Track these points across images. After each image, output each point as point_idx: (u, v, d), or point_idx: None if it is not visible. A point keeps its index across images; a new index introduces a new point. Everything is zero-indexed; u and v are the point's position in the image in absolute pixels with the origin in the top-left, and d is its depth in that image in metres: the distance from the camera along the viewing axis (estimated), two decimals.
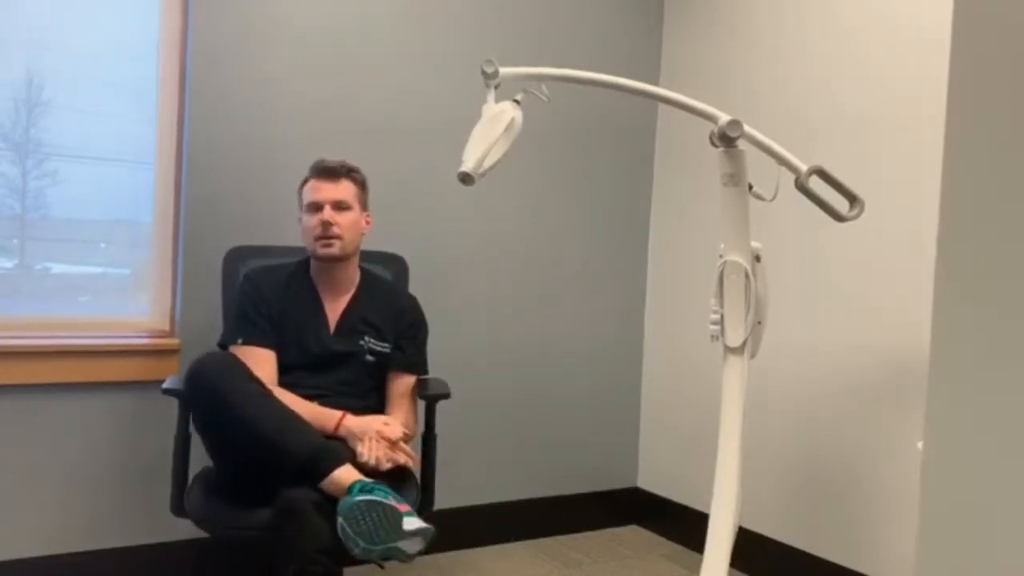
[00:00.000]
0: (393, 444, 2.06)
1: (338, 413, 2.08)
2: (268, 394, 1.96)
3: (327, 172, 2.21)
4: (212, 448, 2.00)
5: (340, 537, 1.75)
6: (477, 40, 2.90)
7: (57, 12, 2.40)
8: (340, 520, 1.75)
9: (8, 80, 2.36)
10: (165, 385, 2.11)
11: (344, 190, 2.21)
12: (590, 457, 3.22)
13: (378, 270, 2.46)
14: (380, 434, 2.05)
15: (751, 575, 2.70)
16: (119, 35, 2.49)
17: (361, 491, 1.79)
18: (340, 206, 2.19)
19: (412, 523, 1.77)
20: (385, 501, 1.76)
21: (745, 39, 2.93)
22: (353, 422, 2.07)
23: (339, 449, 1.96)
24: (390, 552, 1.76)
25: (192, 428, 2.05)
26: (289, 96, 2.62)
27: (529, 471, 3.08)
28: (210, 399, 1.91)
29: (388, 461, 2.02)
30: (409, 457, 2.09)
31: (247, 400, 1.90)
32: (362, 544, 1.74)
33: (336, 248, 2.19)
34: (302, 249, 2.37)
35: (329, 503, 1.82)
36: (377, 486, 1.82)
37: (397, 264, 2.54)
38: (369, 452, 2.00)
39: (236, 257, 2.39)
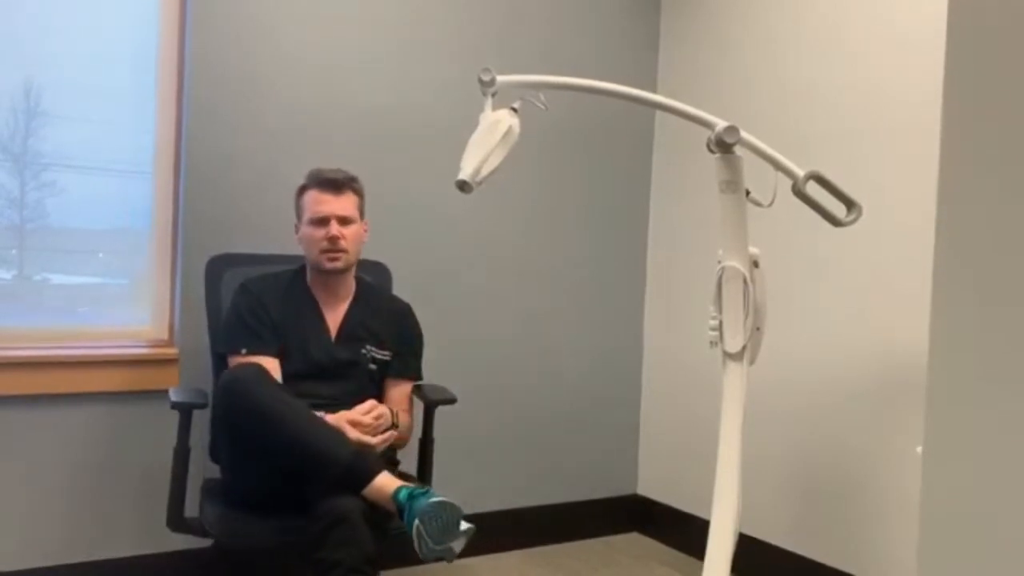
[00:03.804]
0: (366, 426, 2.06)
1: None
2: (301, 404, 1.98)
3: (331, 184, 2.21)
4: (241, 458, 2.01)
5: (414, 537, 1.78)
6: (475, 47, 2.91)
7: (55, 22, 2.41)
8: (416, 522, 1.78)
9: (6, 90, 2.37)
10: (174, 399, 2.06)
11: (348, 204, 2.21)
12: (589, 464, 3.21)
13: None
14: (350, 421, 2.05)
15: None
16: (117, 44, 2.49)
17: (412, 495, 1.83)
18: (345, 221, 2.19)
19: (463, 523, 1.84)
20: (452, 502, 1.82)
21: (742, 45, 2.93)
22: (328, 418, 2.06)
23: (373, 456, 1.98)
24: (446, 552, 1.82)
25: (190, 439, 2.05)
26: (288, 104, 2.62)
27: (528, 478, 3.08)
28: (248, 410, 1.92)
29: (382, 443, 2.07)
30: (385, 439, 2.09)
31: (285, 410, 1.93)
32: (430, 544, 1.79)
33: (342, 262, 2.21)
34: (288, 257, 2.37)
35: (372, 511, 1.86)
36: (423, 489, 1.85)
37: (380, 272, 2.53)
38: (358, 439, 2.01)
39: (219, 265, 2.36)
